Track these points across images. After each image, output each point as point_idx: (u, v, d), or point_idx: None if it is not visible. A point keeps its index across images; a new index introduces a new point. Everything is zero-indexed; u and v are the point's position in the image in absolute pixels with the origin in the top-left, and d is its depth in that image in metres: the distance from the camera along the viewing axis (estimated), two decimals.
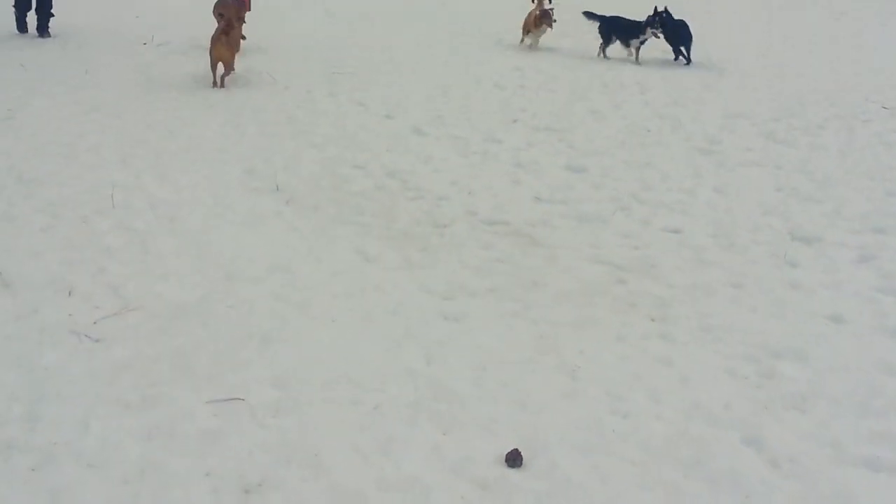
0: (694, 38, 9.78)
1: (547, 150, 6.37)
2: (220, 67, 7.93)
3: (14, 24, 9.87)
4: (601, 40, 10.12)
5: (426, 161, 6.03)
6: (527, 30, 10.66)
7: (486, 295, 4.13)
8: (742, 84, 8.87)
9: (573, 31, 10.90)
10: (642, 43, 9.90)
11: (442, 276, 4.30)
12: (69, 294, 3.90)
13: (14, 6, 9.86)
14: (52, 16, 9.97)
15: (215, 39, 7.78)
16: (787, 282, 4.41)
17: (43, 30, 9.87)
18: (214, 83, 7.95)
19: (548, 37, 10.51)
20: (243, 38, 9.06)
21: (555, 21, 10.34)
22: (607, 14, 10.14)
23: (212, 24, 8.20)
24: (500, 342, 3.69)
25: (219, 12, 8.52)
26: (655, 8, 9.66)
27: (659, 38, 9.72)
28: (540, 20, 10.38)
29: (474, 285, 4.23)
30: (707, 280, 4.41)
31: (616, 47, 10.07)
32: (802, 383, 3.45)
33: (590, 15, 10.32)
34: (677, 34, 9.78)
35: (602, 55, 10.10)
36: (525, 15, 10.74)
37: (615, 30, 10.06)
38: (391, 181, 5.63)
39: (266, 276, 4.20)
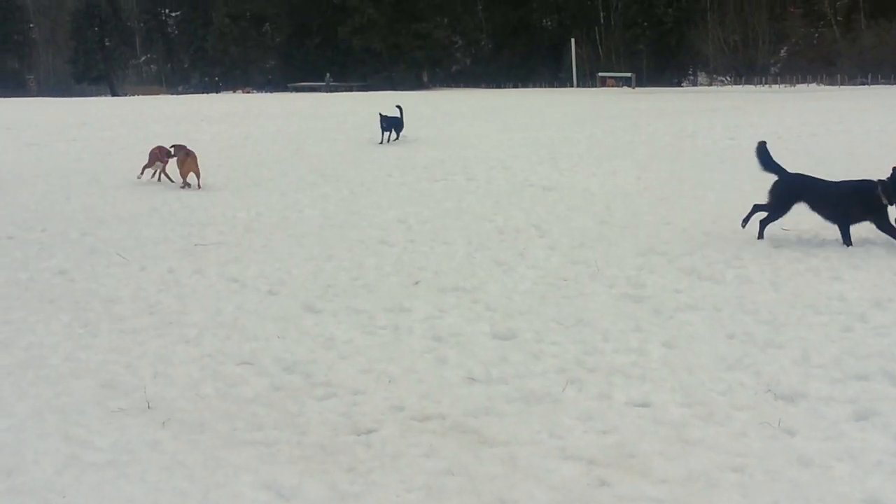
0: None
1: (464, 314, 5.55)
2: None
3: None
4: None
5: (328, 345, 5.05)
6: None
7: None
8: (636, 219, 8.52)
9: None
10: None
11: None
12: None
13: None
14: None
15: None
16: (793, 458, 3.67)
17: None
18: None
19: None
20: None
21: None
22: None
23: None
24: None
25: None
26: None
27: None
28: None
29: None
30: (702, 467, 3.60)
31: None
32: None
33: None
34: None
35: None
36: None
37: None
38: (290, 377, 4.59)
39: None
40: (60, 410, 4.20)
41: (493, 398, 4.31)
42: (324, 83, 69.60)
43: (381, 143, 18.77)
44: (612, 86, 56.56)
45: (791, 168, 7.53)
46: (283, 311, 5.73)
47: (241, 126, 27.43)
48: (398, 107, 19.69)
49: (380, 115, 19.20)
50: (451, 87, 79.15)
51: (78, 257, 7.57)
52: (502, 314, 5.53)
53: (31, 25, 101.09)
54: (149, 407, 4.22)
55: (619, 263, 6.72)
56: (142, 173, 12.63)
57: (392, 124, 19.19)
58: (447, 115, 30.45)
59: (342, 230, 8.41)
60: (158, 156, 12.50)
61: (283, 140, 22.42)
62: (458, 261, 6.98)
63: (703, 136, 17.59)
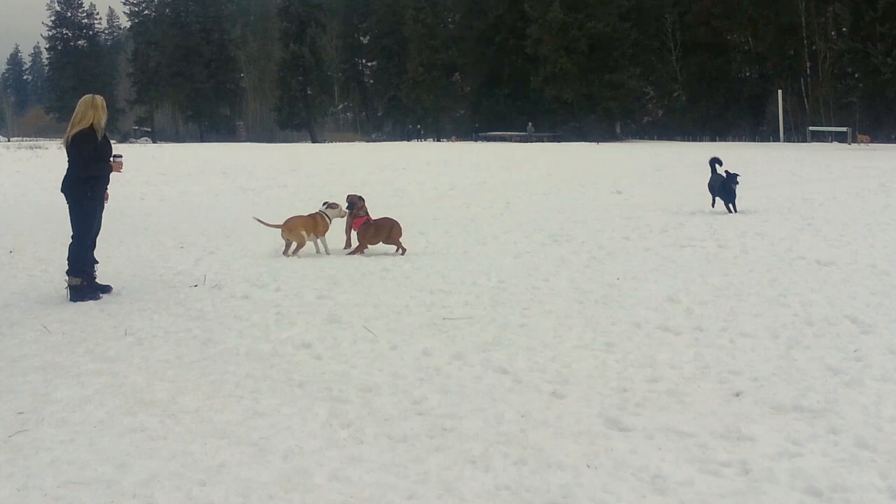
0: None
1: (829, 452, 4.15)
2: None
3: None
4: None
5: (658, 487, 3.80)
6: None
7: None
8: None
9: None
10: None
11: None
12: None
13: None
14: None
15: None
16: None
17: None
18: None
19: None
20: None
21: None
22: None
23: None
24: None
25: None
26: None
27: None
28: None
29: None
30: None
31: None
32: None
33: None
34: None
35: None
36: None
37: None
38: None
39: None
40: None
41: None
42: (523, 132, 69.49)
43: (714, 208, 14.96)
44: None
45: None
46: (580, 424, 4.58)
47: (443, 176, 27.17)
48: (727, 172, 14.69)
49: (716, 168, 14.77)
50: (643, 139, 77.01)
51: (319, 326, 6.83)
52: (886, 455, 4.10)
53: (242, 75, 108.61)
54: None
55: None
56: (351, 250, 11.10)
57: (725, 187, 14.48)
58: (658, 168, 28.87)
59: (607, 308, 7.21)
60: (364, 234, 10.82)
61: (489, 192, 21.78)
62: (775, 363, 5.58)
63: None
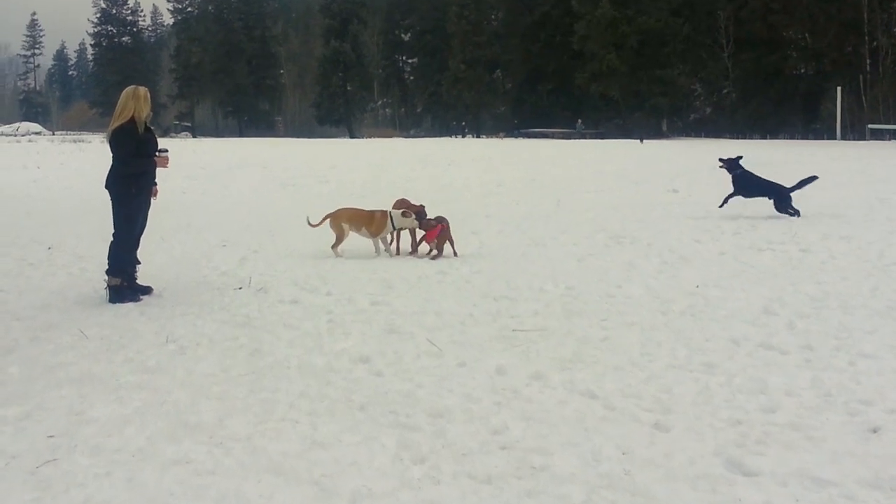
0: None
1: None
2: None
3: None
4: None
5: None
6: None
7: None
8: None
9: None
10: None
11: None
12: None
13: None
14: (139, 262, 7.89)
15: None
16: None
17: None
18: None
19: None
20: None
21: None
22: None
23: None
24: None
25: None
26: None
27: None
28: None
29: None
30: None
31: None
32: None
33: None
34: None
35: None
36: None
37: None
38: None
39: None
40: None
41: None
42: (565, 129, 68.53)
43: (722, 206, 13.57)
44: None
45: None
46: (694, 465, 3.87)
47: (489, 172, 26.49)
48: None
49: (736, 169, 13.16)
50: (690, 136, 75.43)
51: (377, 338, 6.20)
52: None
53: (282, 71, 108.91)
54: None
55: None
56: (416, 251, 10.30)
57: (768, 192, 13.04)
58: (713, 167, 27.82)
59: (696, 321, 6.48)
60: (433, 234, 9.96)
61: (538, 189, 21.03)
62: None
63: None
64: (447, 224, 10.01)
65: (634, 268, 9.06)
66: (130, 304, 7.40)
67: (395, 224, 10.07)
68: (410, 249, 10.39)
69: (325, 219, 10.24)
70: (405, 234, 10.57)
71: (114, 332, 6.52)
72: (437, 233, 9.90)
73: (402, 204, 10.60)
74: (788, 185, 12.93)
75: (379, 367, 5.48)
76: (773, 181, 13.26)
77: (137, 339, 6.31)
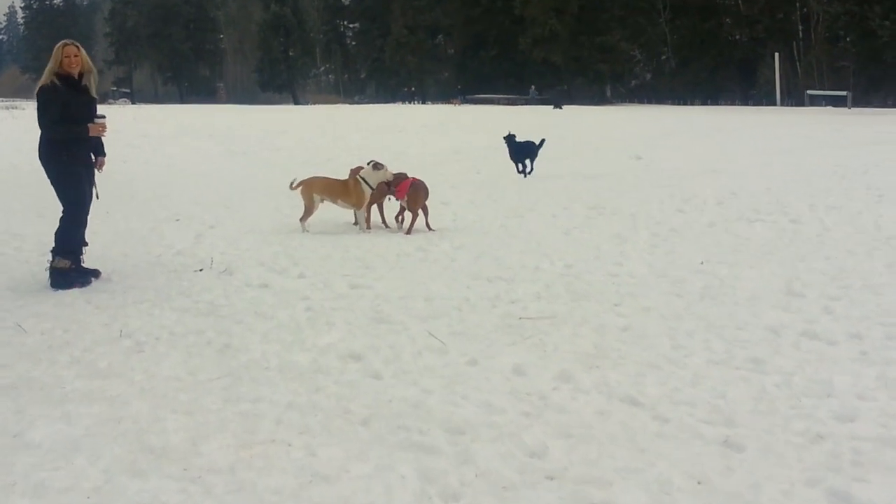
0: None
1: None
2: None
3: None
4: None
5: None
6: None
7: None
8: None
9: None
10: None
11: None
12: None
13: None
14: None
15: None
16: None
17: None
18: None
19: None
20: None
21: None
22: None
23: None
24: None
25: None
26: None
27: None
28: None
29: None
30: None
31: None
32: None
33: None
34: None
35: None
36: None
37: None
38: None
39: None
40: None
41: None
42: (511, 95, 67.66)
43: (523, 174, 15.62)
44: None
45: None
46: (790, 498, 3.19)
47: (442, 139, 25.65)
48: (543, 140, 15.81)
49: (511, 140, 15.63)
50: (632, 102, 75.52)
51: (365, 329, 5.40)
52: None
53: (221, 36, 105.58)
54: None
55: None
56: (369, 225, 9.52)
57: (527, 153, 15.66)
58: (667, 133, 27.55)
59: (718, 305, 5.83)
60: (385, 191, 9.28)
61: (498, 157, 20.28)
62: None
63: None
64: (421, 182, 9.16)
65: (626, 241, 8.42)
66: (76, 291, 6.45)
67: (371, 184, 9.13)
68: (381, 220, 9.61)
69: (298, 185, 9.30)
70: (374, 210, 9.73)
71: (56, 324, 5.59)
72: (407, 185, 9.04)
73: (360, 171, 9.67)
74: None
75: (375, 366, 4.68)
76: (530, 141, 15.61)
77: (85, 333, 5.40)
